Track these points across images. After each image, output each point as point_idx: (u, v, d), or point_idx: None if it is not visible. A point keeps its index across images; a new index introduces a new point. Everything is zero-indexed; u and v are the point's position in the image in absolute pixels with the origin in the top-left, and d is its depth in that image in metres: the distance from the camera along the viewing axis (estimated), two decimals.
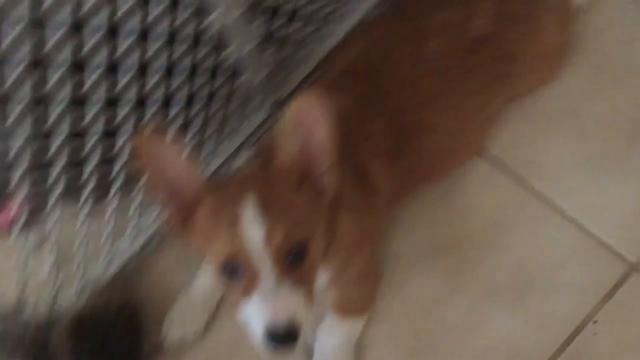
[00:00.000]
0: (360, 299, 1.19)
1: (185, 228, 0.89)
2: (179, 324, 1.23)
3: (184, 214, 0.89)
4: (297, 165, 0.88)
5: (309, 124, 0.85)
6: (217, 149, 1.33)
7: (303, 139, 0.86)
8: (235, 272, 0.85)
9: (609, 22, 1.35)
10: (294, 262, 0.86)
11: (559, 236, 1.21)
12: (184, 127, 1.21)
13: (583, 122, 1.28)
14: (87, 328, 1.17)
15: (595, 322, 1.14)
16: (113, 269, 1.27)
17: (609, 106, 1.28)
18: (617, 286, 1.15)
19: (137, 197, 1.23)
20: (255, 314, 0.85)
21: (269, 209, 0.84)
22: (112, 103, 1.07)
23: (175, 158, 0.85)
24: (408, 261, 1.24)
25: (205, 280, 1.25)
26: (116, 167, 1.15)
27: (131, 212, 1.25)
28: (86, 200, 1.15)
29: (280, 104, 1.38)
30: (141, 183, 1.21)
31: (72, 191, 1.20)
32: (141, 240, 1.29)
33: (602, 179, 1.23)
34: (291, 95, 1.39)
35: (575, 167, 1.25)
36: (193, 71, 1.15)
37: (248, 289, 0.85)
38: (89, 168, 1.11)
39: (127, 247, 1.29)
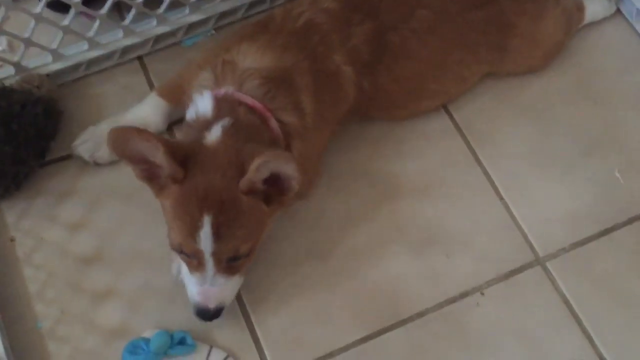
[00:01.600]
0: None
1: (150, 183, 0.99)
2: (92, 143, 1.20)
3: (151, 175, 0.98)
4: (261, 188, 0.96)
5: (281, 169, 0.93)
6: (200, 5, 1.31)
7: (271, 172, 0.94)
8: (185, 253, 0.99)
9: (608, 46, 1.38)
10: (234, 260, 0.99)
11: (483, 207, 1.21)
12: None
13: (548, 122, 1.30)
14: (1, 101, 1.13)
15: (482, 294, 1.14)
16: (56, 66, 1.24)
17: (578, 118, 1.30)
18: (516, 271, 1.16)
19: (104, 11, 1.21)
20: (192, 289, 1.02)
21: (222, 233, 0.95)
22: None
23: (152, 148, 0.92)
24: (334, 176, 1.23)
25: (136, 116, 1.21)
26: None
27: (94, 24, 1.24)
28: None
29: None
30: (109, 1, 1.19)
31: None
32: (93, 54, 1.27)
33: (543, 177, 1.24)
34: None
35: (523, 156, 1.26)
36: None
37: (191, 267, 1.01)
38: None
39: (77, 53, 1.26)
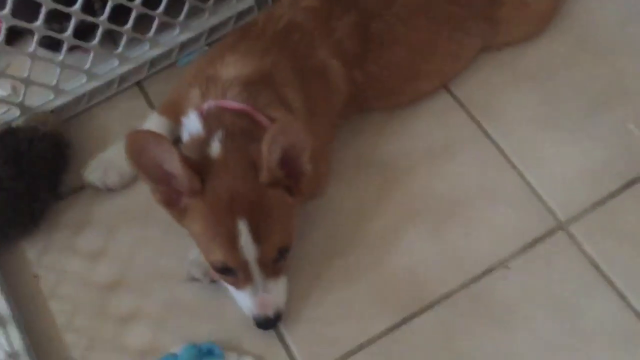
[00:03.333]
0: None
1: (171, 208, 0.99)
2: (101, 170, 1.22)
3: (171, 198, 0.98)
4: (279, 173, 0.96)
5: (291, 142, 0.93)
6: (189, 23, 1.33)
7: (283, 150, 0.94)
8: (229, 271, 0.99)
9: (604, 1, 1.35)
10: (278, 260, 1.00)
11: (497, 178, 1.19)
12: None
13: (551, 85, 1.27)
14: (8, 140, 1.16)
15: (507, 267, 1.11)
16: (58, 102, 1.27)
17: (582, 78, 1.27)
18: (539, 239, 1.13)
19: (95, 42, 1.24)
20: (246, 304, 1.02)
21: (261, 233, 0.95)
22: None
23: (167, 154, 0.92)
24: (342, 170, 1.22)
25: None
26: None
27: (89, 56, 1.26)
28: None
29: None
30: (99, 31, 1.22)
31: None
32: (93, 86, 1.29)
33: (553, 140, 1.22)
34: None
35: (530, 122, 1.24)
36: None
37: (239, 284, 1.01)
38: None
39: (77, 87, 1.29)
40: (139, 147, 0.92)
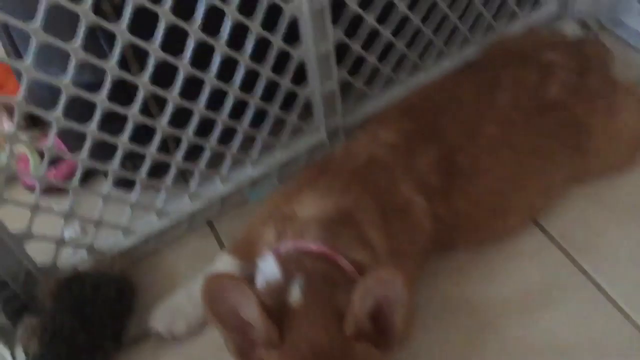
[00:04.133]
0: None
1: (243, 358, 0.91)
2: (168, 317, 1.14)
3: (245, 349, 0.89)
4: (368, 327, 0.87)
5: (387, 296, 0.85)
6: (261, 159, 1.30)
7: (376, 302, 0.86)
8: None
9: None
10: None
11: (606, 327, 1.06)
12: (228, 133, 1.21)
13: None
14: (74, 286, 1.11)
15: None
16: (126, 243, 1.23)
17: None
18: None
19: (167, 181, 1.22)
20: None
21: None
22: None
23: (245, 300, 0.85)
24: (426, 313, 1.11)
25: None
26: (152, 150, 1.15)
27: (159, 194, 1.24)
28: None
29: (338, 132, 1.36)
30: (173, 171, 1.21)
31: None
32: (162, 225, 1.25)
33: None
34: (353, 129, 1.37)
35: (635, 260, 1.12)
36: (255, 52, 1.12)
37: None
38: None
39: (146, 227, 1.25)
40: (217, 292, 0.83)
